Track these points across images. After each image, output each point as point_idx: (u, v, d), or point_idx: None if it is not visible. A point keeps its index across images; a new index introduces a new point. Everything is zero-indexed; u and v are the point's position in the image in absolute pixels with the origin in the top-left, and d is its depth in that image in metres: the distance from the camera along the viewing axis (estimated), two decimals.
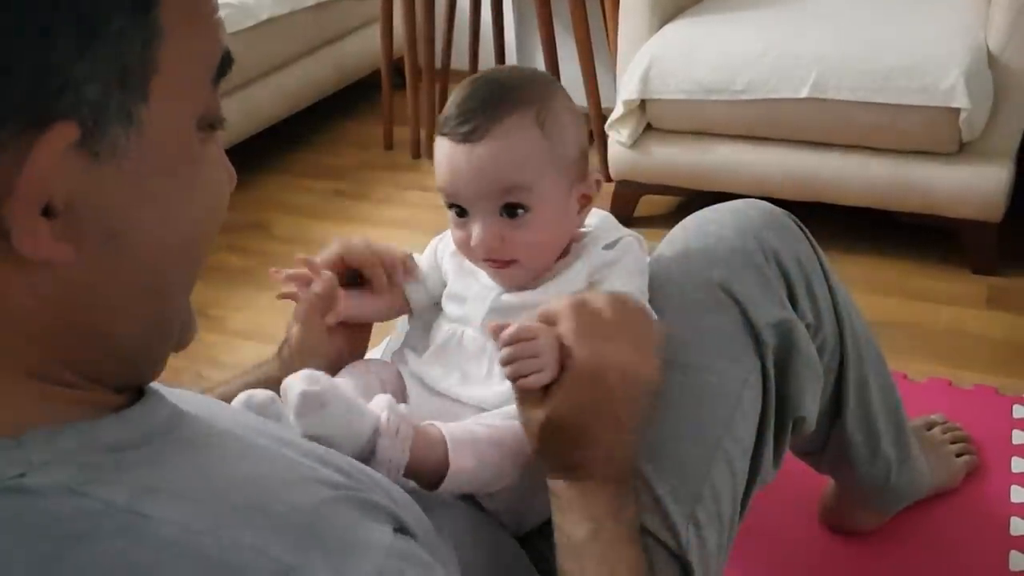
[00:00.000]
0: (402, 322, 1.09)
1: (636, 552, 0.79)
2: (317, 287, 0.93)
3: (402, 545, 0.54)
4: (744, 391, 0.92)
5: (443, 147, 0.87)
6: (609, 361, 0.78)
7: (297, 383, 0.71)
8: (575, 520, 0.79)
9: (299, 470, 0.57)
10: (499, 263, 0.88)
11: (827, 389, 1.04)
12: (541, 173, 0.86)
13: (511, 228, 0.86)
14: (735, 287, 0.93)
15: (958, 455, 1.44)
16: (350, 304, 0.96)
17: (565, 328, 0.79)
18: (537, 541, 0.89)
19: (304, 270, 0.94)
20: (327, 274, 0.94)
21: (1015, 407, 1.60)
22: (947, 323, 1.89)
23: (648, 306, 0.89)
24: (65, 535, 0.45)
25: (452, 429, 0.79)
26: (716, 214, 1.00)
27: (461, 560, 0.76)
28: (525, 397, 0.79)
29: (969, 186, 1.95)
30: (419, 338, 0.97)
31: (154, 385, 0.57)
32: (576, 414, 0.78)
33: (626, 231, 0.94)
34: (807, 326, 0.97)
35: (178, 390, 0.68)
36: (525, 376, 0.77)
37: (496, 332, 0.77)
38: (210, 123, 0.53)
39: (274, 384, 0.92)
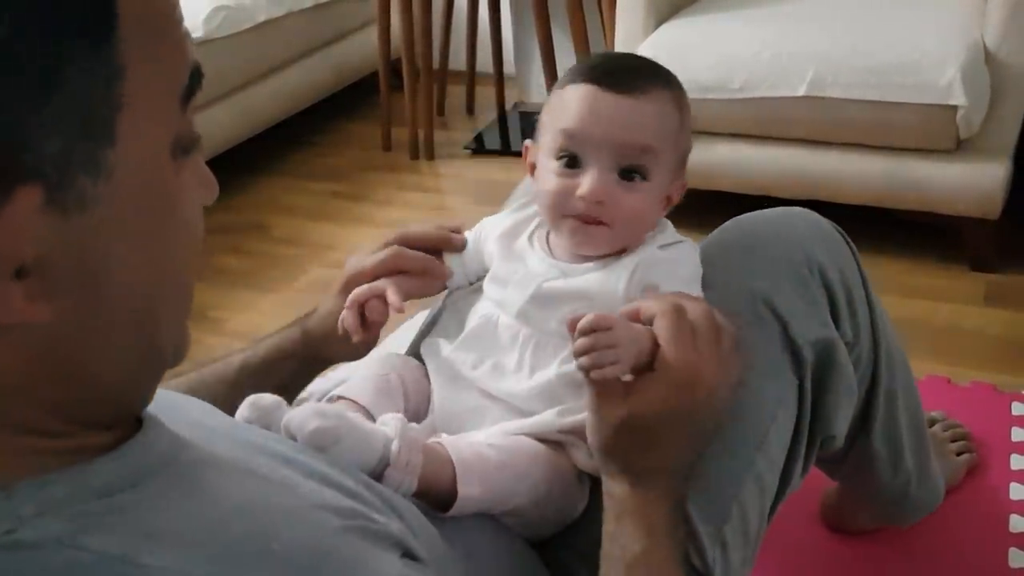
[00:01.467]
0: (420, 311, 1.06)
1: (681, 573, 0.76)
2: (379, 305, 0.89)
3: (409, 573, 0.53)
4: (779, 409, 0.90)
5: (584, 92, 0.86)
6: (702, 374, 0.76)
7: (309, 420, 0.69)
8: (631, 532, 0.75)
9: (302, 496, 0.56)
10: (591, 220, 0.86)
11: (857, 404, 1.02)
12: (666, 150, 0.87)
13: (622, 189, 0.86)
14: (777, 301, 0.90)
15: (958, 453, 1.44)
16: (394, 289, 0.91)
17: (662, 328, 0.76)
18: (558, 550, 0.87)
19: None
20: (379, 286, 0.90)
21: (1014, 404, 1.60)
22: (945, 320, 1.90)
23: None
24: None
25: (462, 452, 0.77)
26: (759, 221, 0.97)
27: (475, 568, 0.75)
28: (604, 391, 0.76)
29: (967, 183, 1.95)
30: (453, 326, 0.94)
31: (156, 398, 0.55)
32: (657, 417, 0.75)
33: (682, 237, 0.92)
34: (846, 343, 0.95)
35: (181, 400, 0.66)
36: (601, 367, 0.73)
37: (573, 325, 0.74)
38: (184, 147, 0.50)
39: (289, 349, 0.93)
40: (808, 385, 0.91)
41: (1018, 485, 1.43)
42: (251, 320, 2.14)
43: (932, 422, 1.48)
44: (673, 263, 0.87)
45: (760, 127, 2.09)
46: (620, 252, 0.89)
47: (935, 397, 1.61)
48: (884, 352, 1.02)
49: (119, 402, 0.52)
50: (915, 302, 1.95)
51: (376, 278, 0.91)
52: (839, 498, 1.34)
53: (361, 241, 2.43)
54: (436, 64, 2.97)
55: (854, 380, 0.96)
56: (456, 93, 3.24)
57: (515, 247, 0.93)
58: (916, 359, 1.72)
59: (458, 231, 0.98)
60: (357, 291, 0.89)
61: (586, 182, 0.85)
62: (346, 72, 3.15)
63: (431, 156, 2.89)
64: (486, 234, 0.96)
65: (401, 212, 2.61)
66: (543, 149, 0.89)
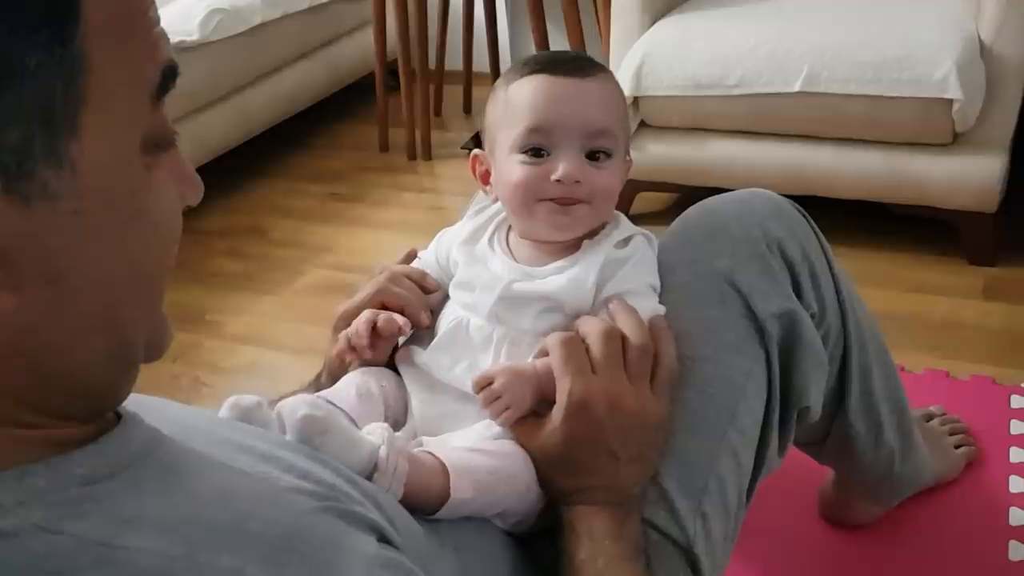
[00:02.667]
0: None
1: (635, 569, 0.80)
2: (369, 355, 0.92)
3: (386, 555, 0.54)
4: (748, 382, 0.92)
5: (540, 83, 0.89)
6: (594, 393, 0.81)
7: (300, 406, 0.70)
8: (575, 542, 0.81)
9: (279, 485, 0.57)
10: (570, 200, 0.89)
11: (830, 378, 1.04)
12: (620, 132, 0.92)
13: (592, 169, 0.89)
14: (739, 278, 0.93)
15: (957, 446, 1.44)
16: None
17: (554, 362, 0.83)
18: (540, 543, 0.88)
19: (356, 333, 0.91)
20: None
21: (1013, 397, 1.60)
22: (944, 314, 1.90)
23: (662, 317, 0.90)
24: (44, 573, 0.44)
25: (453, 459, 0.79)
26: (719, 203, 1.00)
27: (464, 560, 0.76)
28: (520, 429, 0.84)
29: (963, 177, 1.95)
30: (424, 334, 0.95)
31: (133, 401, 0.56)
32: (566, 445, 0.82)
33: (637, 229, 0.95)
34: (811, 316, 0.97)
35: (160, 402, 0.67)
36: (499, 414, 0.83)
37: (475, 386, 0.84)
38: (157, 144, 0.50)
39: None
40: (775, 358, 0.94)
41: (1017, 478, 1.43)
42: (249, 323, 2.14)
43: (930, 416, 1.49)
44: (630, 259, 0.91)
45: (756, 123, 2.09)
46: (577, 249, 0.91)
47: (934, 391, 1.62)
48: (853, 325, 1.04)
49: (90, 396, 0.52)
50: (913, 296, 1.95)
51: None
52: (834, 490, 1.35)
53: (359, 243, 2.44)
54: (432, 64, 2.97)
55: (823, 351, 0.98)
56: (453, 93, 3.24)
57: (476, 251, 0.95)
58: (915, 353, 1.74)
59: (413, 254, 1.02)
60: (347, 330, 0.92)
61: (562, 166, 0.88)
62: (342, 74, 3.15)
63: (428, 156, 2.89)
64: (447, 243, 0.98)
65: (399, 213, 2.61)
66: (501, 148, 0.91)
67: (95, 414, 0.53)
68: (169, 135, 0.51)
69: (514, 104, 0.90)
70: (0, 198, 0.43)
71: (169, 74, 0.50)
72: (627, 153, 0.95)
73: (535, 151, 0.89)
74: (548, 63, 0.90)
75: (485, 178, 0.96)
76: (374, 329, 0.90)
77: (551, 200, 0.89)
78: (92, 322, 0.50)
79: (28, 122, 0.43)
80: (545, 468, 0.83)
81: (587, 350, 0.84)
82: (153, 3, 0.49)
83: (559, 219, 0.90)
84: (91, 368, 0.51)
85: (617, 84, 0.94)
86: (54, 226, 0.45)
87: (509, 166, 0.90)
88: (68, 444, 0.49)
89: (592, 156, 0.89)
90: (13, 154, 0.43)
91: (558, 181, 0.87)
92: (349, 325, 0.91)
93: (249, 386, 1.88)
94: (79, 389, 0.51)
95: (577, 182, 0.88)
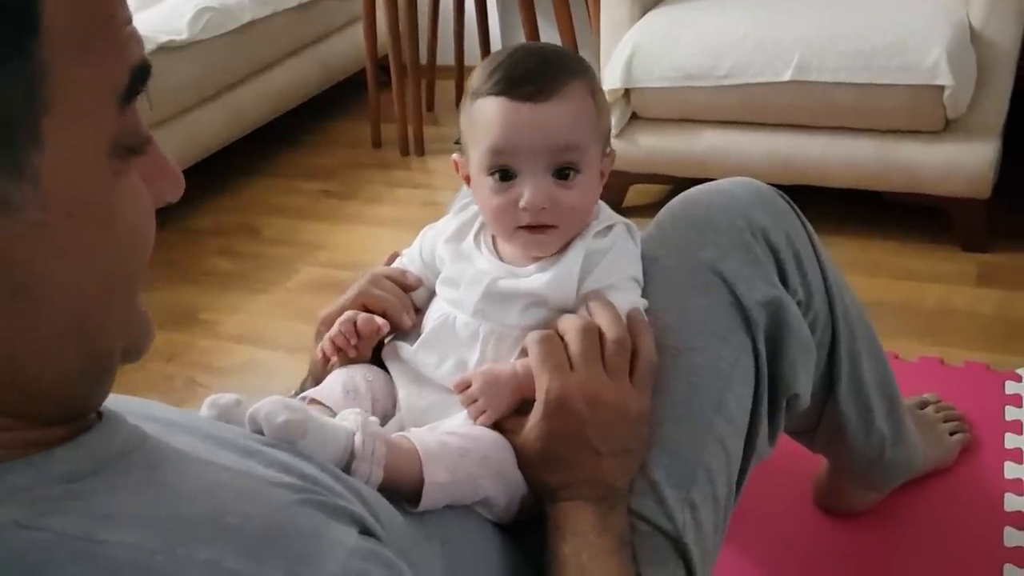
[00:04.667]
0: None
1: (620, 562, 0.81)
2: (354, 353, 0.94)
3: (367, 546, 0.54)
4: (735, 371, 0.92)
5: (499, 106, 0.87)
6: (572, 389, 0.82)
7: (279, 411, 0.69)
8: (559, 536, 0.82)
9: (260, 479, 0.57)
10: (539, 228, 0.88)
11: (819, 365, 1.04)
12: (591, 138, 0.89)
13: (561, 189, 0.88)
14: (723, 267, 0.93)
15: (951, 433, 1.44)
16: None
17: (532, 360, 0.84)
18: (530, 535, 0.88)
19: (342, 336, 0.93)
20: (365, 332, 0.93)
21: (1007, 383, 1.60)
22: (937, 302, 1.90)
23: (640, 310, 0.90)
24: (23, 567, 0.44)
25: (425, 442, 0.80)
26: (703, 194, 1.00)
27: (451, 551, 0.76)
28: (505, 428, 0.85)
29: (956, 164, 1.95)
30: (411, 328, 0.96)
31: (114, 400, 0.56)
32: (545, 442, 0.83)
33: (618, 218, 0.94)
34: (798, 303, 0.97)
35: (142, 402, 0.67)
36: (478, 416, 0.85)
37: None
38: (128, 147, 0.49)
39: None
40: (762, 346, 0.94)
41: (1012, 464, 1.43)
42: (243, 322, 2.13)
43: (924, 403, 1.49)
44: (613, 257, 0.91)
45: (747, 113, 2.08)
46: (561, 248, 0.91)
47: (928, 378, 1.62)
48: (841, 312, 1.04)
49: (63, 402, 0.52)
50: (907, 284, 1.95)
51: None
52: (828, 478, 1.35)
53: (353, 240, 2.44)
54: (424, 59, 2.97)
55: (810, 338, 0.98)
56: (445, 88, 3.23)
57: (462, 248, 0.95)
58: (908, 341, 1.74)
59: (395, 257, 1.02)
60: (329, 332, 0.93)
61: (527, 193, 0.87)
62: (333, 70, 3.14)
63: (421, 152, 2.89)
64: (431, 239, 0.99)
65: (392, 209, 2.61)
66: (474, 165, 0.91)
67: (71, 416, 0.53)
68: (141, 138, 0.50)
69: (477, 123, 0.89)
70: None
71: (139, 76, 0.48)
72: (606, 147, 0.93)
73: (502, 174, 0.88)
74: (507, 83, 0.86)
75: (468, 180, 0.95)
76: (354, 329, 0.91)
77: (524, 228, 0.89)
78: (64, 333, 0.49)
79: None
80: (528, 465, 0.84)
81: (565, 347, 0.84)
82: (123, 3, 0.48)
83: (534, 243, 0.90)
84: (62, 376, 0.50)
85: (587, 88, 0.89)
86: (18, 240, 0.44)
87: (481, 188, 0.90)
88: (50, 443, 0.50)
89: (561, 174, 0.87)
90: None
91: (525, 209, 0.87)
92: (331, 328, 0.92)
93: (244, 385, 1.88)
94: (50, 395, 0.50)
95: (544, 208, 0.87)
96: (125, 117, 0.48)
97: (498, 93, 0.86)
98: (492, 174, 0.88)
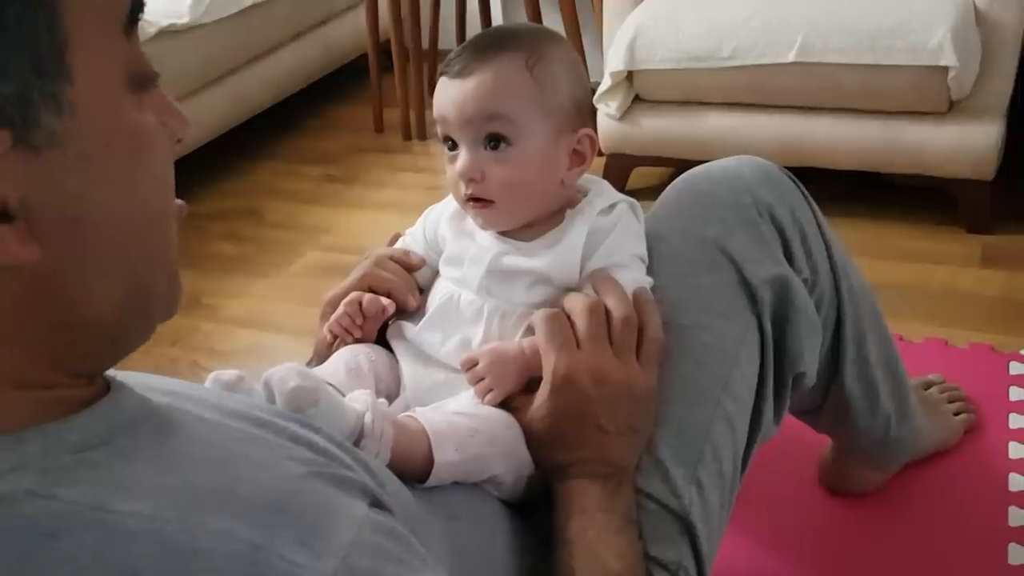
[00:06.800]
0: None
1: (626, 540, 0.81)
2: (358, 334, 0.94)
3: (377, 518, 0.54)
4: (741, 349, 0.92)
5: (440, 84, 0.90)
6: (579, 367, 0.83)
7: (291, 377, 0.70)
8: (566, 514, 0.82)
9: (271, 450, 0.57)
10: (478, 202, 0.89)
11: (825, 344, 1.04)
12: (525, 110, 0.88)
13: (493, 161, 0.88)
14: (729, 245, 0.93)
15: (956, 414, 1.44)
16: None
17: (539, 338, 0.84)
18: (538, 513, 0.88)
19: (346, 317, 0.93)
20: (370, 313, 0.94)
21: (1011, 364, 1.60)
22: (942, 283, 1.90)
23: (646, 289, 0.90)
24: (37, 535, 0.45)
25: (434, 422, 0.80)
26: (708, 172, 1.00)
27: (458, 528, 0.76)
28: (513, 407, 0.85)
29: (960, 145, 1.95)
30: (416, 308, 0.96)
31: (121, 376, 0.56)
32: (552, 419, 0.83)
33: (621, 196, 0.94)
34: (804, 281, 0.97)
35: (153, 377, 0.67)
36: (484, 395, 0.85)
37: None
38: (140, 80, 0.51)
39: None
40: (768, 324, 0.94)
41: (1017, 444, 1.43)
42: (247, 306, 2.13)
43: (929, 384, 1.49)
44: (617, 235, 0.90)
45: (751, 95, 2.08)
46: (559, 219, 0.91)
47: (933, 359, 1.62)
48: (846, 291, 1.04)
49: (110, 345, 0.54)
50: (912, 265, 1.95)
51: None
52: (833, 458, 1.35)
53: (356, 224, 2.44)
54: (426, 44, 2.96)
55: (816, 316, 0.98)
56: None
57: (464, 226, 0.95)
58: (913, 322, 1.74)
59: (397, 238, 1.02)
60: (335, 314, 0.93)
61: (459, 162, 0.89)
62: (336, 55, 3.14)
63: (423, 136, 2.88)
64: (434, 219, 0.99)
65: (395, 193, 2.61)
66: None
67: (105, 364, 0.54)
68: (149, 71, 0.52)
69: None
70: (14, 152, 0.44)
71: (137, 5, 0.51)
72: (573, 126, 0.91)
73: (450, 144, 0.91)
74: (446, 64, 0.90)
75: None
76: (359, 309, 0.91)
77: (467, 200, 0.90)
78: (110, 265, 0.51)
79: (21, 71, 0.44)
80: (535, 443, 0.84)
81: (572, 326, 0.84)
82: None
83: (479, 218, 0.91)
84: (110, 314, 0.52)
85: (517, 61, 0.88)
86: (66, 172, 0.47)
87: (446, 161, 0.92)
88: (67, 407, 0.50)
89: (492, 144, 0.88)
90: (15, 105, 0.44)
91: (460, 179, 0.89)
92: (336, 310, 0.93)
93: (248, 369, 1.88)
94: (96, 336, 0.52)
95: (473, 179, 0.88)
96: (132, 47, 0.51)
97: (441, 73, 0.90)
98: (446, 144, 0.91)
